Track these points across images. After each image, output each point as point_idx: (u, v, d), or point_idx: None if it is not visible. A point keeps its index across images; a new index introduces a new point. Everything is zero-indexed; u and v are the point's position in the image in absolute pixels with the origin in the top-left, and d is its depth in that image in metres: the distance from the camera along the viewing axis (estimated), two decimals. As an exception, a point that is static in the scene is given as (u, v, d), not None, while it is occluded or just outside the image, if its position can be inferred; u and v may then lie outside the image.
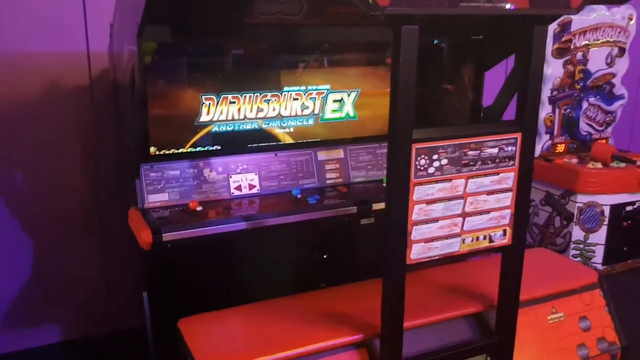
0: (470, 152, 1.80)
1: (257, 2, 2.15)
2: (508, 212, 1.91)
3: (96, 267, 3.05)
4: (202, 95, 2.36)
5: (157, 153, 2.32)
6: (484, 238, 1.90)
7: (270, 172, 2.46)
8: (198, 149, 2.40)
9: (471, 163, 1.81)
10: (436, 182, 1.76)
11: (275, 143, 2.52)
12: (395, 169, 1.69)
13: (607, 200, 3.77)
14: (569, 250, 3.85)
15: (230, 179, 2.39)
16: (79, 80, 2.80)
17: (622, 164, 3.88)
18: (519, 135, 1.87)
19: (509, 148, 1.86)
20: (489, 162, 1.84)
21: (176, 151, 2.35)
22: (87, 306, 3.08)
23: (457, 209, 1.82)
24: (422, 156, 1.71)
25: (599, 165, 3.87)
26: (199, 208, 2.24)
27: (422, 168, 1.72)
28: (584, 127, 4.14)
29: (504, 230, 1.93)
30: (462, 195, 1.82)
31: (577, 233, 3.81)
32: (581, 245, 3.85)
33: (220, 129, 2.43)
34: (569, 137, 4.12)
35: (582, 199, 3.76)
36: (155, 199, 2.26)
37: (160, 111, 2.29)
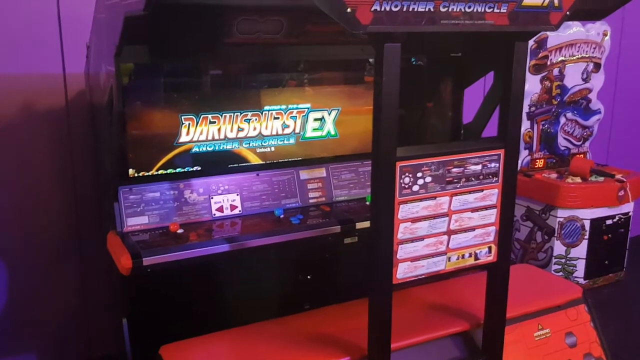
0: (454, 170, 1.79)
1: (236, 22, 2.13)
2: (493, 229, 1.90)
3: (73, 293, 2.97)
4: (181, 116, 2.32)
5: (136, 175, 2.27)
6: (470, 256, 1.89)
7: (252, 192, 2.43)
8: (178, 170, 2.36)
9: (455, 180, 1.80)
10: (421, 200, 1.75)
11: (256, 163, 2.49)
12: (379, 188, 1.67)
13: (587, 215, 3.80)
14: (551, 265, 3.86)
15: (211, 200, 2.36)
16: (55, 102, 2.75)
17: (601, 178, 3.93)
18: (501, 152, 1.87)
19: (492, 165, 1.86)
20: (473, 179, 1.83)
21: (155, 173, 2.31)
22: (64, 333, 2.99)
23: (442, 226, 1.81)
24: (407, 174, 1.70)
25: (578, 179, 3.90)
26: (180, 230, 2.19)
27: (406, 186, 1.71)
28: (562, 142, 4.18)
29: (489, 248, 1.92)
30: (447, 212, 1.81)
31: (558, 248, 3.83)
32: (563, 260, 3.86)
33: (201, 149, 2.39)
34: (548, 152, 4.16)
35: (562, 213, 3.78)
36: (134, 222, 2.21)
37: (138, 132, 2.25)
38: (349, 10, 1.48)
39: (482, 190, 1.85)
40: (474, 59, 2.71)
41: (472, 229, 1.86)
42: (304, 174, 2.55)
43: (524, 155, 4.05)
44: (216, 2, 1.94)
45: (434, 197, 1.77)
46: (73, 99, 2.77)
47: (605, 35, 4.14)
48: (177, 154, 2.36)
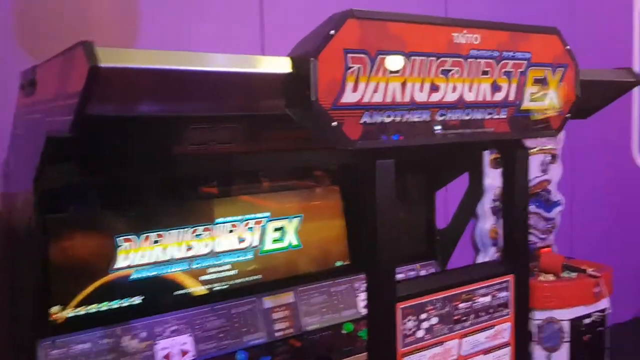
0: (462, 305, 1.49)
1: (185, 131, 1.82)
2: (508, 372, 1.59)
3: None
4: (116, 237, 1.96)
5: (59, 320, 1.84)
6: (485, 408, 1.55)
7: (206, 330, 2.03)
8: (114, 303, 1.95)
9: (463, 318, 1.49)
10: (427, 347, 1.41)
11: (209, 290, 2.11)
12: (378, 338, 1.33)
13: (564, 315, 3.54)
14: (532, 374, 3.56)
15: (155, 346, 1.92)
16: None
17: (573, 274, 3.73)
18: (510, 278, 1.58)
19: (502, 294, 1.57)
20: (483, 313, 1.53)
21: (86, 311, 1.89)
22: None
23: (452, 378, 1.48)
24: (409, 317, 1.38)
25: (551, 277, 3.69)
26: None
27: (409, 332, 1.38)
28: (527, 236, 4.00)
29: (505, 395, 1.59)
30: (457, 359, 1.48)
31: (538, 354, 3.54)
32: (545, 367, 3.57)
33: (142, 276, 2.02)
34: (515, 247, 3.96)
35: (539, 315, 3.52)
36: (57, 388, 1.75)
37: (64, 264, 1.87)
38: (334, 124, 1.19)
39: (493, 327, 1.55)
40: (446, 162, 2.51)
41: (486, 376, 1.54)
42: (268, 302, 2.19)
43: (491, 252, 3.83)
44: (160, 114, 1.62)
45: (442, 342, 1.44)
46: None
47: (559, 125, 4.09)
48: (112, 283, 1.97)
